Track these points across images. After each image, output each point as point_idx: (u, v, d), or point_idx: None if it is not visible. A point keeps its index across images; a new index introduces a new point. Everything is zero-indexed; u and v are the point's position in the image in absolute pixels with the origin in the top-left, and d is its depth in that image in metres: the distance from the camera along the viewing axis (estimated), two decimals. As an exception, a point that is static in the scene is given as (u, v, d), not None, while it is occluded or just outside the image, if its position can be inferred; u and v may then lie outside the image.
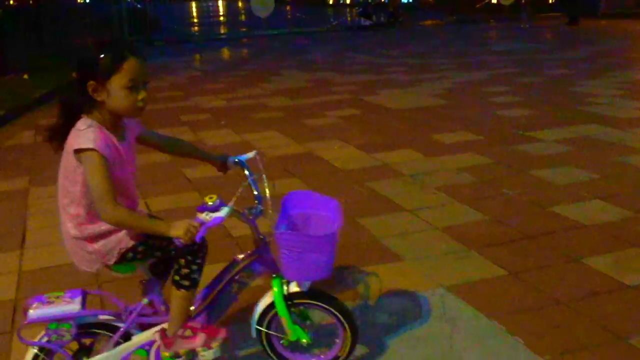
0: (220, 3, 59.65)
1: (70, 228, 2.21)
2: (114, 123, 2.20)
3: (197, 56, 16.52)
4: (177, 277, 2.32)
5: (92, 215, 2.17)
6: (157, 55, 16.21)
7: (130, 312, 2.37)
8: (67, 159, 2.15)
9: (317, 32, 21.71)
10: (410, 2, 43.54)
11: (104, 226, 2.19)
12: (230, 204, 2.15)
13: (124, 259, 2.25)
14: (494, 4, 24.15)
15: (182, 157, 2.69)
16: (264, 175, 2.39)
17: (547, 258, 3.67)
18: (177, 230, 2.07)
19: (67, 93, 2.20)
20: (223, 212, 2.11)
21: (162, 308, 2.42)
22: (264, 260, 2.40)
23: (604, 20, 21.89)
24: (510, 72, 11.01)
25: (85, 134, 2.09)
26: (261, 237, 2.38)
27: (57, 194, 2.23)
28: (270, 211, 2.34)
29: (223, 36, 23.53)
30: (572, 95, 8.62)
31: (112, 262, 2.24)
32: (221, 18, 37.59)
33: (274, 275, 2.40)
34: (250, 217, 2.33)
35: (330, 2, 49.51)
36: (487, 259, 3.69)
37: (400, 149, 6.16)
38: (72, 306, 2.20)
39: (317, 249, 2.22)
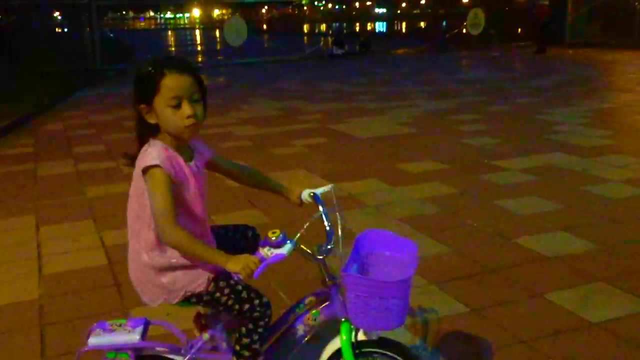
0: (197, 32, 59.72)
1: (141, 254, 2.14)
2: (178, 144, 2.13)
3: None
4: (237, 347, 2.20)
5: (164, 244, 2.09)
6: (128, 84, 16.03)
7: (191, 347, 2.26)
8: (136, 182, 2.11)
9: (291, 61, 21.75)
10: (383, 31, 44.12)
11: (174, 259, 2.11)
12: (294, 239, 2.00)
13: (186, 300, 2.17)
14: (463, 33, 24.47)
15: (254, 187, 2.53)
16: (337, 211, 2.22)
17: (510, 293, 3.57)
18: (235, 265, 1.93)
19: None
20: (285, 248, 1.95)
21: (224, 345, 2.28)
22: (332, 303, 2.22)
23: (571, 50, 22.28)
24: (478, 101, 11.06)
25: (150, 152, 2.05)
26: (330, 278, 2.21)
27: (128, 220, 2.19)
28: (341, 250, 2.15)
29: (199, 64, 23.43)
30: (538, 124, 8.65)
31: (174, 302, 2.17)
32: (198, 47, 37.57)
33: (343, 320, 2.20)
34: (319, 256, 2.15)
35: (306, 30, 50.03)
36: (448, 295, 3.57)
37: (365, 179, 6.07)
38: (132, 336, 2.14)
39: (388, 295, 2.01)
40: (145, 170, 2.03)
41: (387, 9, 45.95)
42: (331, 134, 8.47)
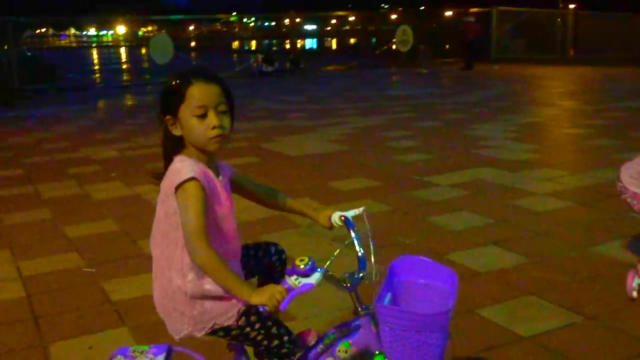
0: (122, 50, 58.57)
1: (173, 279, 2.01)
2: (205, 159, 2.05)
3: (95, 104, 15.91)
4: None
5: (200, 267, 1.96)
6: (49, 104, 15.48)
7: None
8: (167, 201, 1.99)
9: (220, 79, 21.50)
10: (314, 48, 44.47)
11: (208, 284, 1.98)
12: (324, 267, 1.87)
13: (213, 333, 2.05)
14: (393, 50, 24.90)
15: (279, 209, 2.41)
16: (369, 236, 2.07)
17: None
18: (261, 297, 1.81)
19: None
20: (314, 277, 1.82)
21: None
22: (365, 335, 2.08)
23: (497, 66, 23.02)
24: (408, 117, 11.21)
25: (181, 168, 1.96)
26: (363, 308, 2.06)
27: (152, 248, 2.08)
28: (374, 277, 2.01)
29: (125, 83, 22.92)
30: (467, 139, 8.81)
31: (200, 334, 2.04)
32: (123, 65, 36.78)
33: (377, 353, 2.06)
34: (349, 285, 2.01)
35: (235, 48, 49.84)
36: (383, 315, 3.52)
37: (297, 198, 5.94)
38: None
39: (425, 329, 1.85)
40: (177, 187, 1.94)
41: (317, 26, 46.40)
42: (262, 153, 8.37)
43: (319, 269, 1.84)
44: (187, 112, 1.98)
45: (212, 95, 2.00)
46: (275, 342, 2.06)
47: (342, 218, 2.24)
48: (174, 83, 2.02)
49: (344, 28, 48.09)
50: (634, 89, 14.95)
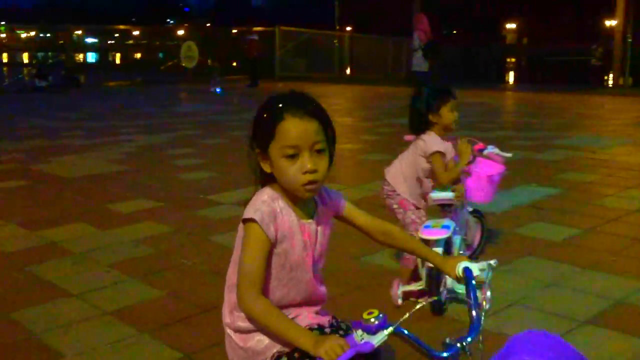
0: None
1: (225, 315, 1.93)
2: (296, 199, 1.86)
3: None
4: None
5: None
6: None
7: None
8: (240, 232, 1.87)
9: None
10: (95, 62, 42.33)
11: (240, 322, 1.89)
12: (397, 324, 1.56)
13: None
14: (180, 65, 24.56)
15: (397, 249, 2.14)
16: (488, 294, 1.73)
17: (221, 333, 3.50)
18: (319, 348, 1.60)
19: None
20: (377, 337, 1.54)
21: None
22: None
23: (280, 83, 23.75)
24: (193, 134, 11.09)
25: (253, 203, 1.84)
26: None
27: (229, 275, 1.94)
28: (480, 345, 1.62)
29: None
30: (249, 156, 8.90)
31: None
32: None
33: None
34: (446, 353, 1.58)
35: (5, 60, 45.64)
36: (162, 342, 3.39)
37: (70, 224, 5.58)
38: None
39: None
40: (244, 221, 1.83)
41: (99, 39, 44.24)
42: (32, 176, 7.68)
43: (388, 326, 1.57)
44: (276, 151, 1.78)
45: (307, 133, 1.76)
46: None
47: (464, 269, 1.90)
48: (264, 116, 1.80)
49: (128, 42, 46.42)
50: (402, 105, 16.31)
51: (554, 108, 14.94)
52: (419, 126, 3.87)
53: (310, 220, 1.92)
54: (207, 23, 39.41)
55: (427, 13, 14.76)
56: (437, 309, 3.61)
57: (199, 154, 9.13)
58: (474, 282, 1.85)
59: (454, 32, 53.23)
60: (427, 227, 3.62)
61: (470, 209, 4.29)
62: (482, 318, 1.71)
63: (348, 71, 28.21)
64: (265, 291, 1.84)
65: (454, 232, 3.70)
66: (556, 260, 4.58)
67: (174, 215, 5.87)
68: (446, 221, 3.67)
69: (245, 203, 1.94)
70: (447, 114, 3.78)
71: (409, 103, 3.92)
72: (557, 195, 6.45)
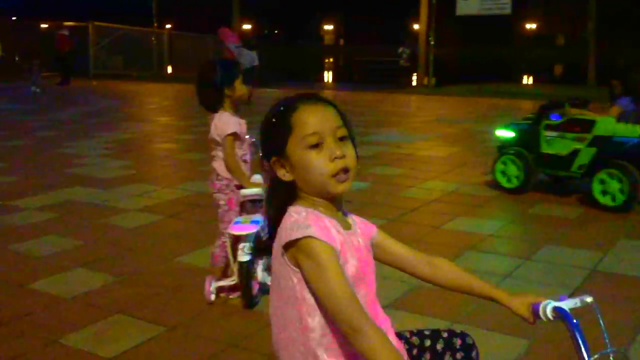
0: None
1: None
2: (329, 207, 1.60)
3: None
4: None
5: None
6: None
7: None
8: (279, 269, 1.56)
9: None
10: None
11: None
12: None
13: None
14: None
15: (446, 288, 1.80)
16: (607, 340, 1.43)
17: (23, 345, 3.29)
18: None
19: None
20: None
21: None
22: None
23: (95, 81, 22.62)
24: (-6, 136, 10.21)
25: (296, 221, 1.51)
26: None
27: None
28: None
29: None
30: (58, 158, 8.41)
31: None
32: None
33: None
34: None
35: None
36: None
37: None
38: None
39: None
40: (288, 245, 1.50)
41: None
42: None
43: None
44: (297, 145, 1.55)
45: (327, 117, 1.57)
46: None
47: (557, 310, 1.60)
48: (273, 120, 1.59)
49: None
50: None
51: (366, 106, 15.75)
52: (216, 103, 3.77)
53: (351, 230, 1.68)
54: (14, 17, 36.22)
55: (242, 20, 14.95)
56: (250, 303, 3.66)
57: (0, 157, 8.42)
58: (575, 321, 1.55)
59: (275, 32, 54.27)
60: (237, 223, 3.65)
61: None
62: None
63: (170, 69, 27.52)
64: (327, 319, 1.56)
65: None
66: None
67: (-32, 224, 5.37)
68: (256, 216, 3.72)
69: (263, 245, 1.82)
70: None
71: (199, 80, 3.73)
72: (366, 189, 6.81)
